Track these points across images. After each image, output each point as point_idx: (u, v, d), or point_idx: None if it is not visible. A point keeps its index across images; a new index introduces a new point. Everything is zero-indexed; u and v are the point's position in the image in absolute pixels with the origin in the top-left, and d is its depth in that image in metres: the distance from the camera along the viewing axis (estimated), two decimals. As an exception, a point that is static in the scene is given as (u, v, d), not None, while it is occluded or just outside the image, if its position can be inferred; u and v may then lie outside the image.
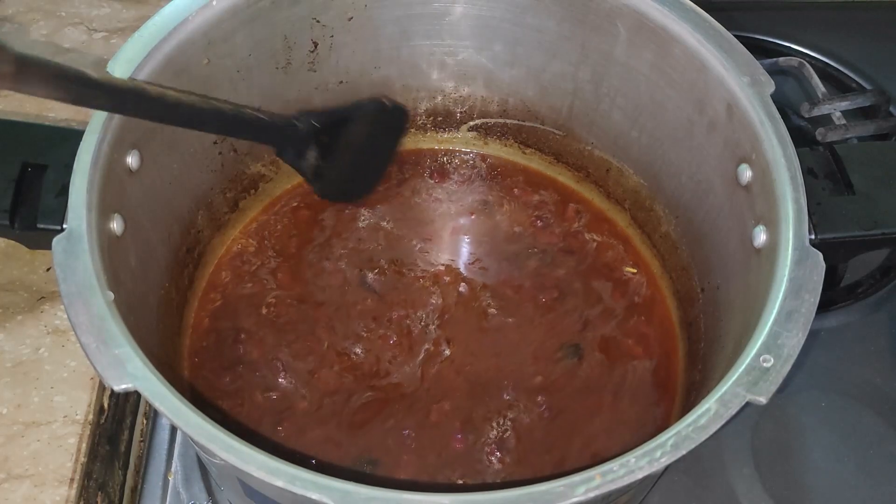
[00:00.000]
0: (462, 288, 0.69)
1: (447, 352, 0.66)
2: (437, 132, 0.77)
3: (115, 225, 0.53)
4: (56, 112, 0.76)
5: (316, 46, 0.67)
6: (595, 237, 0.73)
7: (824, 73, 0.90)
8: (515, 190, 0.76)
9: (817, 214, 0.53)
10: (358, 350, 0.66)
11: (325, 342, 0.66)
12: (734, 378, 0.46)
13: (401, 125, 0.73)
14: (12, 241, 0.55)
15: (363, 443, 0.62)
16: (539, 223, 0.74)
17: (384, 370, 0.65)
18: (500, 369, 0.65)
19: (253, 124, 0.61)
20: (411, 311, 0.68)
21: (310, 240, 0.72)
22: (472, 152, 0.78)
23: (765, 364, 0.46)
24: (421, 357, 0.66)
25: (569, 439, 0.62)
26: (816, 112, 0.85)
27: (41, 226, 0.52)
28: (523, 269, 0.71)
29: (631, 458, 0.43)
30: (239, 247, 0.72)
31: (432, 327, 0.67)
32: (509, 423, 0.63)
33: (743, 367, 0.46)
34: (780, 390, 0.46)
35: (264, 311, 0.68)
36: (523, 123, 0.75)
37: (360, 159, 0.69)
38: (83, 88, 0.49)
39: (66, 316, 0.47)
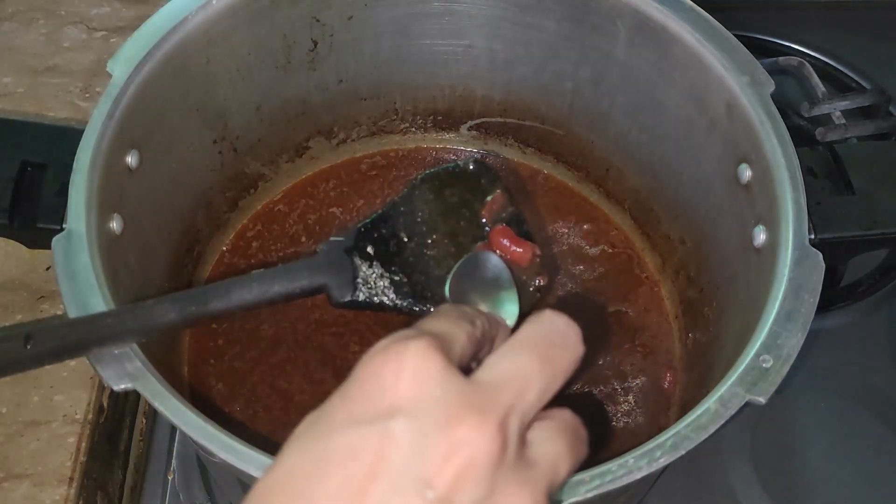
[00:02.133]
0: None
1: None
2: (438, 132, 0.77)
3: (115, 224, 0.53)
4: (55, 111, 0.76)
5: (316, 45, 0.67)
6: (594, 237, 0.73)
7: (824, 72, 0.90)
8: (516, 189, 0.76)
9: (817, 214, 0.53)
10: (356, 347, 0.66)
11: (321, 336, 0.66)
12: (733, 378, 0.46)
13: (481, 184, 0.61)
14: (12, 241, 0.55)
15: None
16: (538, 223, 0.74)
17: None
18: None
19: (271, 281, 0.52)
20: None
21: (312, 234, 0.72)
22: (472, 151, 0.78)
23: (764, 364, 0.46)
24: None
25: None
26: (816, 111, 0.85)
27: (41, 225, 0.52)
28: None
29: (630, 458, 0.43)
30: (239, 244, 0.72)
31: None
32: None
33: (742, 367, 0.46)
34: (780, 390, 0.46)
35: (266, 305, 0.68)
36: (523, 123, 0.75)
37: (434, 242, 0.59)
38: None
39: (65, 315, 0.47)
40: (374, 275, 0.56)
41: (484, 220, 0.60)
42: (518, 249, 0.58)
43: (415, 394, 0.33)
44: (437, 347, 0.34)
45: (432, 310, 0.56)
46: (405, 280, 0.57)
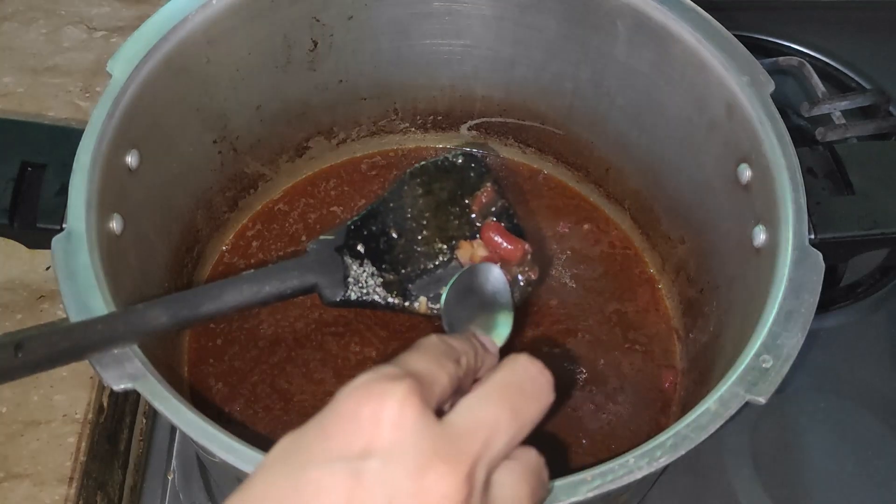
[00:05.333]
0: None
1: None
2: (438, 132, 0.77)
3: (115, 224, 0.53)
4: (55, 111, 0.76)
5: (316, 45, 0.67)
6: (594, 237, 0.73)
7: (824, 72, 0.90)
8: (515, 189, 0.76)
9: (817, 214, 0.53)
10: (357, 348, 0.66)
11: (321, 336, 0.66)
12: (733, 378, 0.46)
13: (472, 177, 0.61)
14: (12, 241, 0.55)
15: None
16: (538, 223, 0.74)
17: (379, 356, 0.65)
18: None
19: (266, 281, 0.52)
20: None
21: (312, 234, 0.72)
22: (472, 152, 0.78)
23: (764, 364, 0.46)
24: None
25: (566, 438, 0.62)
26: (816, 112, 0.85)
27: (41, 225, 0.52)
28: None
29: (630, 457, 0.43)
30: (239, 244, 0.72)
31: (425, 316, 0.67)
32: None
33: (742, 367, 0.46)
34: (780, 390, 0.46)
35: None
36: (523, 123, 0.75)
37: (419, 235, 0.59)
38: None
39: (65, 315, 0.47)
40: (365, 273, 0.57)
41: (474, 215, 0.60)
42: (509, 247, 0.59)
43: (389, 440, 0.33)
44: (418, 393, 0.34)
45: (419, 306, 0.57)
46: (395, 278, 0.58)
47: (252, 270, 0.53)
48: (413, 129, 0.77)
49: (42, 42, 0.81)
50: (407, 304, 0.58)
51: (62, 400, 0.63)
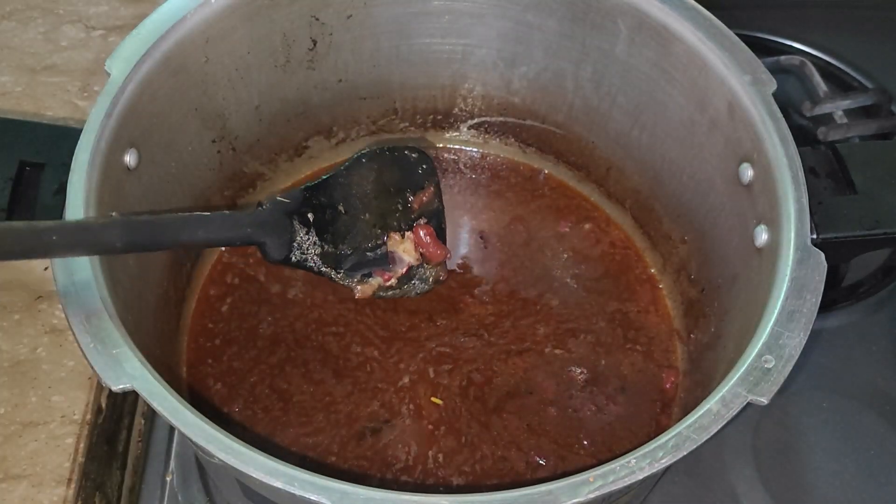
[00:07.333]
0: (459, 282, 0.69)
1: (447, 349, 0.66)
2: (438, 131, 0.77)
3: (113, 224, 0.53)
4: (54, 111, 0.76)
5: (315, 44, 0.67)
6: (595, 237, 0.73)
7: (826, 71, 0.90)
8: (516, 189, 0.76)
9: (819, 214, 0.53)
10: (357, 348, 0.66)
11: (320, 336, 0.66)
12: (735, 378, 0.46)
13: (422, 173, 0.67)
14: (9, 240, 0.55)
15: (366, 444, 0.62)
16: (539, 223, 0.73)
17: (380, 356, 0.65)
18: (487, 361, 0.65)
19: (209, 225, 0.56)
20: (406, 303, 0.68)
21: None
22: (472, 151, 0.78)
23: (766, 364, 0.46)
24: (422, 354, 0.66)
25: (567, 439, 0.62)
26: (818, 111, 0.85)
27: (39, 224, 0.52)
28: (522, 267, 0.70)
29: (632, 458, 0.43)
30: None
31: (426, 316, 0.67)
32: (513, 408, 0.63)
33: (744, 367, 0.46)
34: (782, 391, 0.46)
35: (265, 304, 0.68)
36: (523, 122, 0.75)
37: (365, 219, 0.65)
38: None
39: (63, 315, 0.47)
40: (308, 241, 0.63)
41: (411, 208, 0.67)
42: (437, 251, 0.66)
43: None
44: None
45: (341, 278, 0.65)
46: (332, 251, 0.64)
47: (209, 213, 0.56)
48: (413, 128, 0.77)
49: (40, 41, 0.81)
50: (334, 274, 0.65)
51: (60, 401, 0.63)
